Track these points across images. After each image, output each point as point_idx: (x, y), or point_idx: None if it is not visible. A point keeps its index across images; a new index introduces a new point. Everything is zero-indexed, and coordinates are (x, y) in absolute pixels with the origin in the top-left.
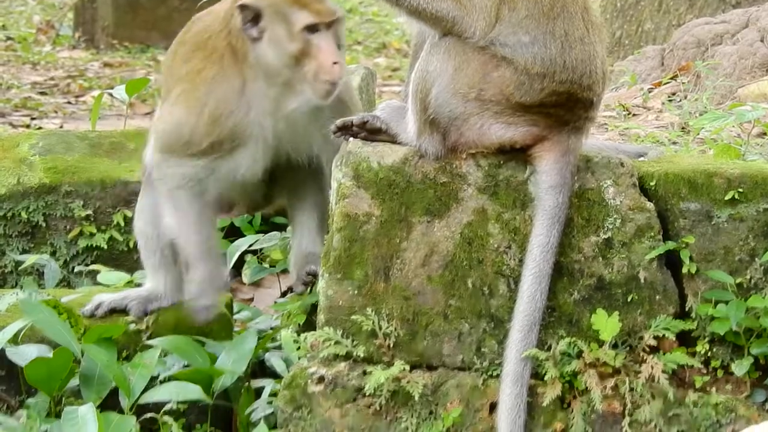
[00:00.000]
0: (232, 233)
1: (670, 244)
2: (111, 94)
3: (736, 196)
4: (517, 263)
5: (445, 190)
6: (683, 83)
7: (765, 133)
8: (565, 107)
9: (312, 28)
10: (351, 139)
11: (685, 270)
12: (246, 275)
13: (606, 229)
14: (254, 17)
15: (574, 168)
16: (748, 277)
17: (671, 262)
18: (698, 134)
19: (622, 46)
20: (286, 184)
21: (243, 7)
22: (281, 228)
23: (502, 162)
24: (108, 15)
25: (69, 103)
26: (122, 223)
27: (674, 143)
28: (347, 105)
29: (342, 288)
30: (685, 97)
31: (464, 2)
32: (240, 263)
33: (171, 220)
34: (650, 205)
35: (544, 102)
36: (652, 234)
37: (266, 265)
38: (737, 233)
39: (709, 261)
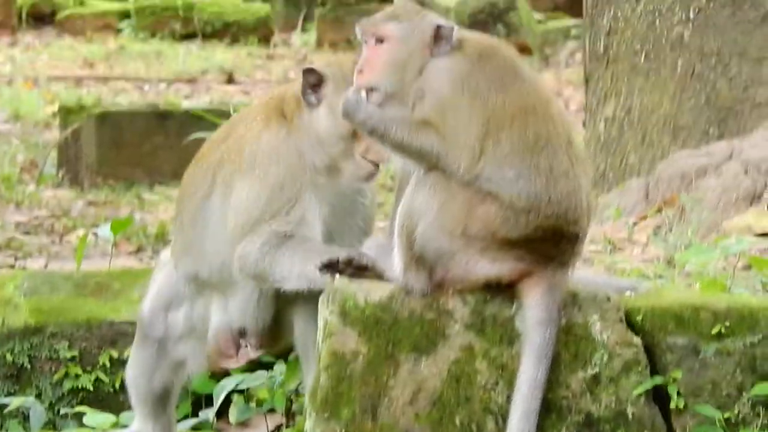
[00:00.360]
0: (219, 372)
1: (658, 379)
2: (96, 234)
3: (723, 330)
4: (505, 400)
5: (432, 327)
6: (668, 216)
7: (751, 266)
8: (551, 242)
9: None
10: (337, 276)
11: (673, 405)
12: (232, 415)
13: (593, 364)
14: (317, 83)
15: (561, 303)
16: (736, 411)
17: (659, 396)
18: (684, 268)
19: (606, 180)
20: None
21: (308, 71)
22: (268, 367)
23: (488, 298)
24: (92, 153)
25: (53, 242)
26: (108, 364)
27: (660, 277)
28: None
29: (329, 427)
30: (671, 231)
31: (448, 138)
32: (226, 403)
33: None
34: (637, 340)
35: (530, 237)
36: (640, 369)
37: (253, 405)
38: (724, 367)
39: (696, 396)
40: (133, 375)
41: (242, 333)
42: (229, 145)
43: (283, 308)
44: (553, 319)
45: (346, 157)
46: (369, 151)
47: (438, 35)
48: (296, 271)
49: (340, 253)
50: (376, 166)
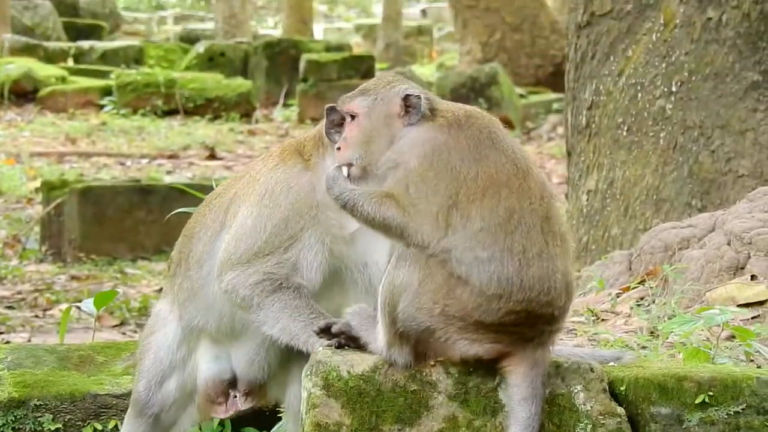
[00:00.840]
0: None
1: None
2: (79, 308)
3: (707, 400)
4: None
5: (416, 398)
6: (651, 288)
7: (734, 337)
8: (525, 325)
9: None
10: (320, 348)
11: None
12: None
13: None
14: (339, 122)
15: (545, 377)
16: None
17: None
18: (667, 338)
19: (589, 252)
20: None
21: (331, 110)
22: None
23: (471, 370)
24: (74, 228)
25: (36, 316)
26: None
27: (643, 347)
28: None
29: None
30: (654, 302)
31: (408, 209)
32: None
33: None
34: (621, 410)
35: (503, 321)
36: None
37: None
38: None
39: None
40: None
41: (232, 383)
42: (244, 182)
43: (281, 365)
44: (537, 394)
45: None
46: None
47: (407, 104)
48: (281, 324)
49: (336, 321)
50: None
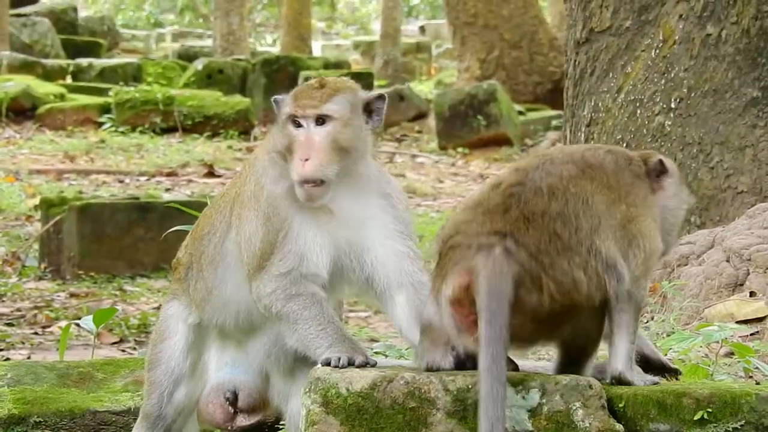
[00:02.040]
0: None
1: None
2: (78, 325)
3: (706, 416)
4: None
5: (414, 415)
6: (650, 304)
7: (733, 353)
8: None
9: (292, 117)
10: (318, 366)
11: None
12: None
13: None
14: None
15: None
16: None
17: None
18: (666, 355)
19: None
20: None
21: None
22: None
23: (470, 386)
24: (74, 246)
25: (36, 333)
26: None
27: None
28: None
29: None
30: (653, 318)
31: None
32: None
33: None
34: (620, 427)
35: None
36: None
37: None
38: None
39: None
40: None
41: (235, 398)
42: (242, 178)
43: (290, 367)
44: None
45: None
46: (293, 169)
47: None
48: (296, 335)
49: (342, 355)
50: (302, 182)
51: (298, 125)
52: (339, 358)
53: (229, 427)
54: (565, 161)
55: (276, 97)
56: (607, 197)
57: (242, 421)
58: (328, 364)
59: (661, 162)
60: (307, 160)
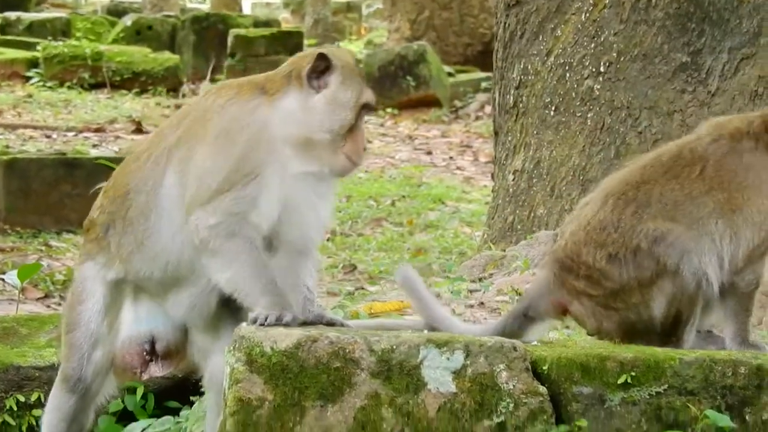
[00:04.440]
0: (125, 417)
1: (563, 428)
2: (3, 279)
3: (629, 380)
4: None
5: (339, 375)
6: None
7: None
8: None
9: (368, 108)
10: (243, 324)
11: None
12: None
13: (499, 413)
14: (323, 70)
15: None
16: None
17: None
18: None
19: (514, 231)
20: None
21: (321, 56)
22: (175, 412)
23: (394, 347)
24: (0, 200)
25: None
26: (15, 408)
27: (567, 327)
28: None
29: None
30: None
31: None
32: None
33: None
34: (543, 389)
35: None
36: (545, 418)
37: None
38: (630, 417)
39: None
40: (50, 421)
41: (151, 347)
42: (190, 123)
43: (211, 324)
44: None
45: (329, 148)
46: (353, 151)
47: None
48: (229, 274)
49: (270, 313)
50: (355, 166)
51: (363, 114)
52: (266, 317)
53: (142, 374)
54: None
55: (325, 53)
56: None
57: (155, 370)
58: (255, 322)
59: None
60: (364, 149)
